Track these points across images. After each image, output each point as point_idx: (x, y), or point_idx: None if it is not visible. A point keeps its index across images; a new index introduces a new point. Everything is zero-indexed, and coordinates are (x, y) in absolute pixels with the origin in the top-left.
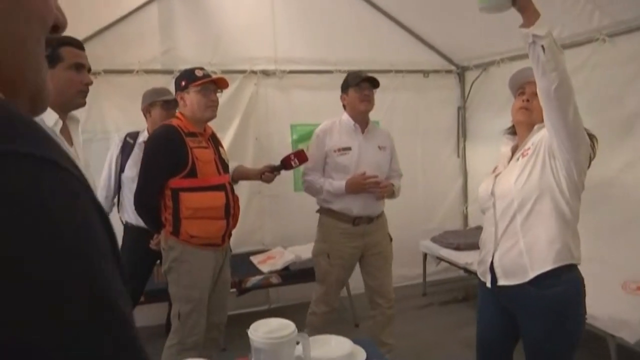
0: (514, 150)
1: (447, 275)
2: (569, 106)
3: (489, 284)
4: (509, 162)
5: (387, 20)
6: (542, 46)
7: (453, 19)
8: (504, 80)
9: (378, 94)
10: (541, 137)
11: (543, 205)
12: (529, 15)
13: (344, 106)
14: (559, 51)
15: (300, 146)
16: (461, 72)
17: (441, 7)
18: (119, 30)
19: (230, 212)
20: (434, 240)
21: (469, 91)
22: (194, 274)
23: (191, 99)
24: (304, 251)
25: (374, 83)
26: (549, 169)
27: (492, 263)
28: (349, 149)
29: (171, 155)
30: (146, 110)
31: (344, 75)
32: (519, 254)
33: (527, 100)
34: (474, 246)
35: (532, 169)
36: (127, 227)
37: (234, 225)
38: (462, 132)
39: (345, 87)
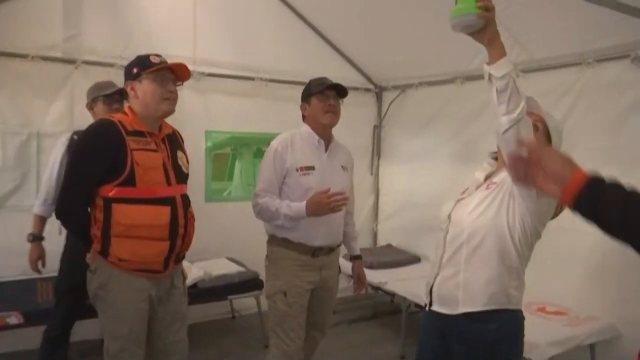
0: (489, 177)
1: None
2: None
3: (427, 307)
4: (477, 188)
5: (313, 34)
6: (496, 87)
7: (376, 40)
8: (421, 102)
9: (297, 105)
10: None
11: (489, 244)
12: (493, 52)
13: (304, 117)
14: (516, 96)
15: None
16: (379, 92)
17: (366, 27)
18: (14, 6)
19: (178, 232)
20: (346, 257)
21: (386, 111)
22: (121, 305)
23: (144, 89)
24: (214, 267)
25: (341, 92)
26: (505, 210)
27: (432, 286)
28: (312, 168)
29: (102, 155)
30: (89, 107)
31: (265, 84)
32: (455, 285)
33: None
34: (387, 265)
35: (489, 205)
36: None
37: (185, 248)
38: (376, 150)
39: (306, 95)
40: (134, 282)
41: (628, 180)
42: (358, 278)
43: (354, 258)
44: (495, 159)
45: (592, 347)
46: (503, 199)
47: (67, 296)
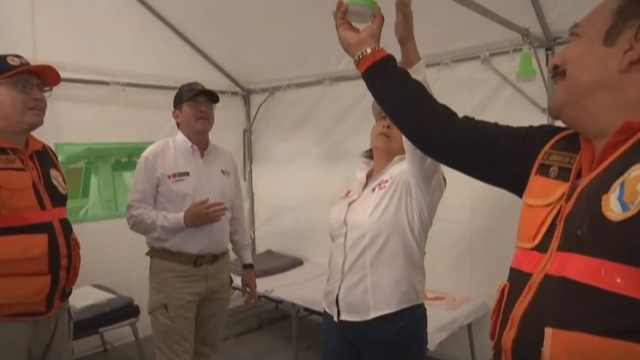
0: (369, 176)
1: (238, 303)
2: None
3: (335, 318)
4: (363, 189)
5: (174, 35)
6: None
7: (241, 43)
8: (290, 105)
9: (159, 112)
10: (400, 170)
11: (394, 244)
12: (408, 54)
13: (178, 124)
14: None
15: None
16: (247, 95)
17: (230, 29)
18: None
19: (60, 263)
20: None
21: (255, 114)
22: None
23: (2, 97)
24: (79, 298)
25: (213, 97)
26: (404, 207)
27: (337, 296)
28: (186, 174)
29: None
30: None
31: (122, 89)
32: (364, 290)
33: (388, 127)
34: (269, 272)
35: (388, 204)
36: None
37: (71, 282)
38: (248, 155)
39: (178, 102)
40: (8, 330)
41: None
42: (248, 287)
43: (244, 267)
44: (370, 157)
45: (469, 326)
46: (400, 197)
47: None
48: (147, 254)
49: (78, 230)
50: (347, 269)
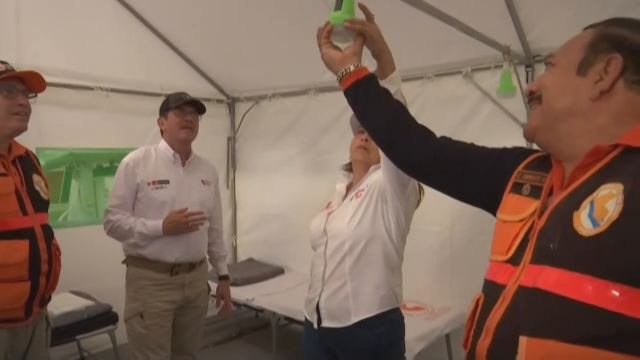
0: (349, 189)
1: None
2: None
3: (316, 325)
4: (343, 200)
5: (160, 42)
6: None
7: (227, 51)
8: (275, 114)
9: (143, 119)
10: (376, 179)
11: (373, 250)
12: (382, 66)
13: (162, 132)
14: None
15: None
16: (232, 103)
17: (216, 37)
18: None
19: (41, 269)
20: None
21: (240, 123)
22: None
23: None
24: (56, 304)
25: (200, 108)
26: (381, 215)
27: (318, 303)
28: (166, 182)
29: None
30: None
31: (106, 95)
32: (345, 297)
33: (366, 140)
34: (251, 280)
35: (365, 212)
36: None
37: (51, 288)
38: (232, 163)
39: (164, 110)
40: None
41: None
42: (222, 300)
43: (220, 279)
44: (349, 170)
45: (447, 336)
46: (377, 204)
47: None
48: (123, 262)
49: (57, 235)
50: (327, 277)
